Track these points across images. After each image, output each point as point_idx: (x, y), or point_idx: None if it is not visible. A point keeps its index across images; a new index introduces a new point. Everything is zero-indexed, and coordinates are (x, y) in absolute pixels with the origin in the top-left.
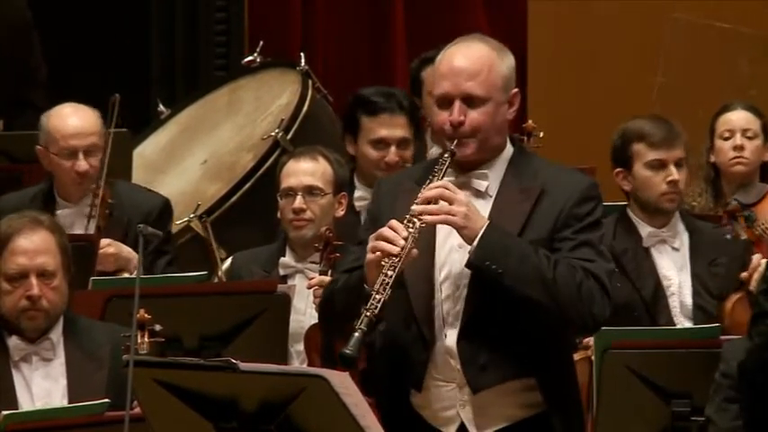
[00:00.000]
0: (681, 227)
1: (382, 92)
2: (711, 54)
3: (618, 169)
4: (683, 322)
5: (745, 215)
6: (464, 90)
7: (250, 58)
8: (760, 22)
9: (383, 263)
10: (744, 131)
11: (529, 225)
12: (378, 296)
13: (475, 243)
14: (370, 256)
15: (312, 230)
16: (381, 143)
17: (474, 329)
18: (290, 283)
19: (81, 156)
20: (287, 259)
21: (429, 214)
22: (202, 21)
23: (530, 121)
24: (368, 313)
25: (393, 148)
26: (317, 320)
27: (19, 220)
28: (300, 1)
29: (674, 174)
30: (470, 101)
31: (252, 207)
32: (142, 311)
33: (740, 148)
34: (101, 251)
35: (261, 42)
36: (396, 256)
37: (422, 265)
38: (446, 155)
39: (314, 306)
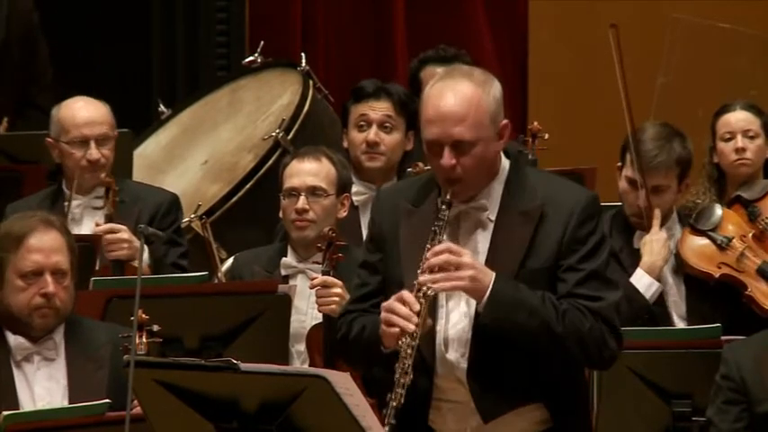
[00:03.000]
0: (677, 228)
1: (373, 81)
2: (711, 54)
3: (618, 163)
4: (677, 323)
5: (749, 210)
6: (452, 136)
7: (251, 58)
8: (760, 22)
9: (401, 342)
10: (745, 132)
11: (531, 252)
12: (402, 380)
13: (483, 301)
14: (384, 329)
15: (314, 231)
16: (364, 123)
17: (482, 361)
18: (291, 283)
19: (93, 145)
20: (289, 259)
21: (437, 282)
22: (203, 21)
23: (535, 123)
24: (394, 404)
25: (374, 128)
26: (318, 321)
27: (31, 219)
28: (301, 1)
29: (641, 199)
30: (459, 146)
31: (252, 207)
32: (140, 312)
33: (742, 150)
34: (116, 236)
35: (261, 42)
36: (412, 333)
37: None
38: (443, 207)
39: (315, 306)
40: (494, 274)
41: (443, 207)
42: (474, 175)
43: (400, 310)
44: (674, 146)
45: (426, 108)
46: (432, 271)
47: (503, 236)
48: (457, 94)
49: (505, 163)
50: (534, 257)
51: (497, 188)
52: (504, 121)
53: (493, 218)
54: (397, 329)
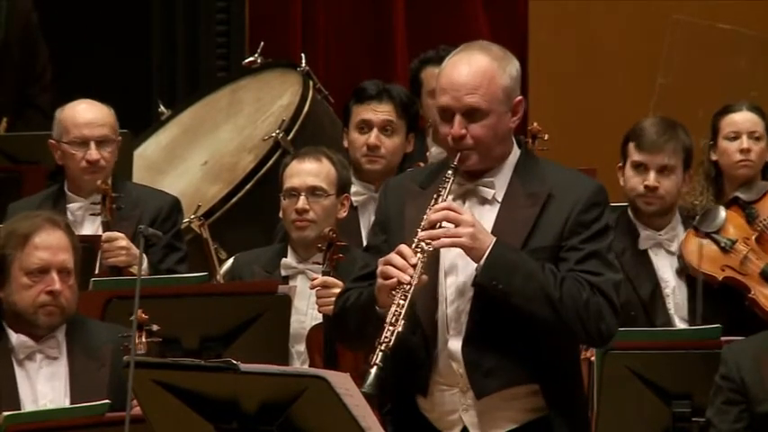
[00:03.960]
0: (680, 230)
1: (376, 83)
2: (711, 54)
3: (619, 164)
4: (678, 324)
5: (747, 212)
6: (464, 104)
7: (251, 58)
8: (760, 22)
9: (394, 292)
10: (750, 133)
11: (535, 231)
12: (391, 328)
13: (481, 262)
14: (380, 281)
15: (314, 231)
16: (365, 126)
17: (479, 335)
18: (291, 283)
19: (93, 145)
20: (289, 260)
21: (436, 238)
22: (203, 21)
23: (535, 124)
24: (382, 347)
25: (375, 131)
26: (318, 321)
27: (36, 218)
28: (301, 1)
29: (651, 179)
30: (471, 114)
31: (252, 208)
32: (139, 312)
33: (747, 151)
34: (113, 243)
35: (261, 43)
36: (407, 284)
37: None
38: (449, 172)
39: (315, 307)
40: (494, 237)
41: (449, 173)
42: (485, 146)
43: (397, 262)
44: (679, 133)
45: (441, 77)
46: (432, 227)
47: (508, 215)
48: (472, 65)
49: (517, 151)
50: (538, 237)
51: (507, 171)
52: (519, 98)
53: (500, 198)
54: (392, 280)
